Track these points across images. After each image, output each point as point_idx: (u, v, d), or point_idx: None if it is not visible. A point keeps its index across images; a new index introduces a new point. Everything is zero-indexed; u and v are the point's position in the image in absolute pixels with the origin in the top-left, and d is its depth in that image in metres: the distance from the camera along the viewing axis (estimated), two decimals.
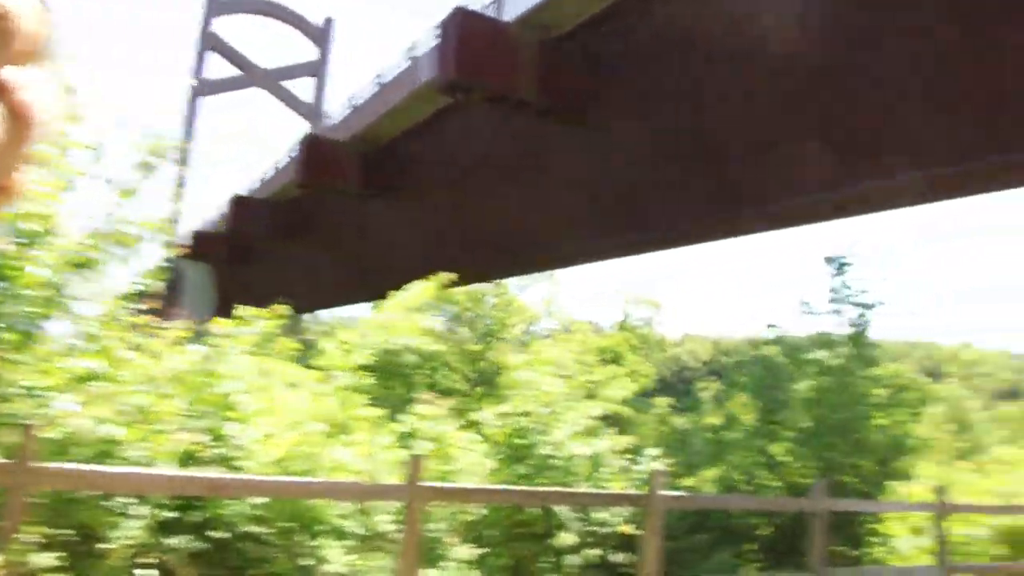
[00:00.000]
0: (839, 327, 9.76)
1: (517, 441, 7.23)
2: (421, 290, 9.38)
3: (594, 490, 7.12)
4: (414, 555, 5.25)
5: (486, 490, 6.74)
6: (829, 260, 9.89)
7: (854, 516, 9.28)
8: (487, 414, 7.69)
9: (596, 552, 6.74)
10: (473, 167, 13.97)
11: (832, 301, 9.76)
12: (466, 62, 10.59)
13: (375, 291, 13.97)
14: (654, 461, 7.67)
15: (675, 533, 7.72)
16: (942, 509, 8.69)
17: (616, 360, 47.12)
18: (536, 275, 49.40)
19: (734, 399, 10.11)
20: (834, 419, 9.12)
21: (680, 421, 15.53)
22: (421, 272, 11.94)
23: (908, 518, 11.52)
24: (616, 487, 7.19)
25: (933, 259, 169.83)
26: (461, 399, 10.88)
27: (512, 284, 48.41)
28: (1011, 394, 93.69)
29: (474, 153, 14.02)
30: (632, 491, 7.04)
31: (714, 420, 10.52)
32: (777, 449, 9.06)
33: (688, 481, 9.17)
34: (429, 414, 7.11)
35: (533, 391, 7.57)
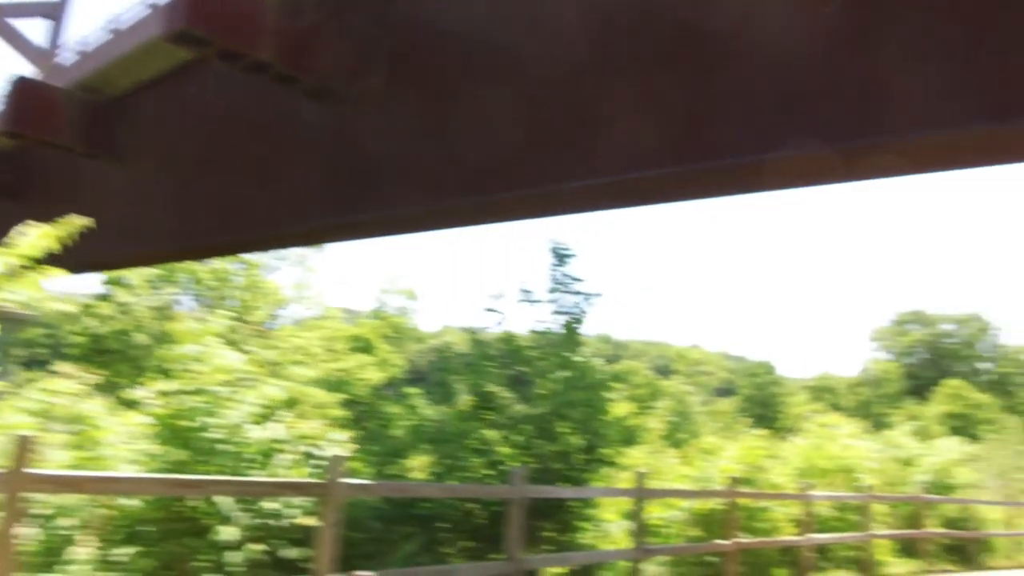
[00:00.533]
0: (556, 317, 10.04)
1: (180, 423, 6.52)
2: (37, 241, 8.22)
3: (263, 478, 6.52)
4: (10, 557, 4.49)
5: (116, 479, 5.83)
6: (551, 250, 10.14)
7: (564, 502, 9.70)
8: (146, 391, 6.81)
9: (263, 547, 6.23)
10: (211, 133, 12.93)
11: (552, 291, 10.01)
12: (200, 12, 9.72)
13: (90, 262, 12.51)
14: (339, 447, 7.37)
15: (369, 525, 7.57)
16: (640, 494, 9.33)
17: (367, 349, 46.62)
18: (287, 256, 47.42)
19: (451, 387, 10.11)
20: (545, 407, 9.43)
21: (429, 412, 15.38)
22: (143, 243, 10.82)
23: (619, 503, 12.32)
24: (299, 476, 6.81)
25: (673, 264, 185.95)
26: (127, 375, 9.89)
27: (263, 265, 46.12)
28: (727, 391, 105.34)
29: (213, 118, 12.98)
30: (310, 479, 6.64)
31: (437, 409, 10.53)
32: (491, 436, 9.22)
33: (393, 469, 9.08)
34: (65, 389, 6.19)
35: (204, 367, 6.86)
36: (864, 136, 4.74)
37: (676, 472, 12.83)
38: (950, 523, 17.19)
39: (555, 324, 9.89)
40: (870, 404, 78.47)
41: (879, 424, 40.48)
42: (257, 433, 6.92)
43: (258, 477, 6.73)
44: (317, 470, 6.93)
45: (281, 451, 7.10)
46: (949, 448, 20.27)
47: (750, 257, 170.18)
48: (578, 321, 9.81)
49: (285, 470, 6.80)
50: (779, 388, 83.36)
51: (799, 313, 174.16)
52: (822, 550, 13.46)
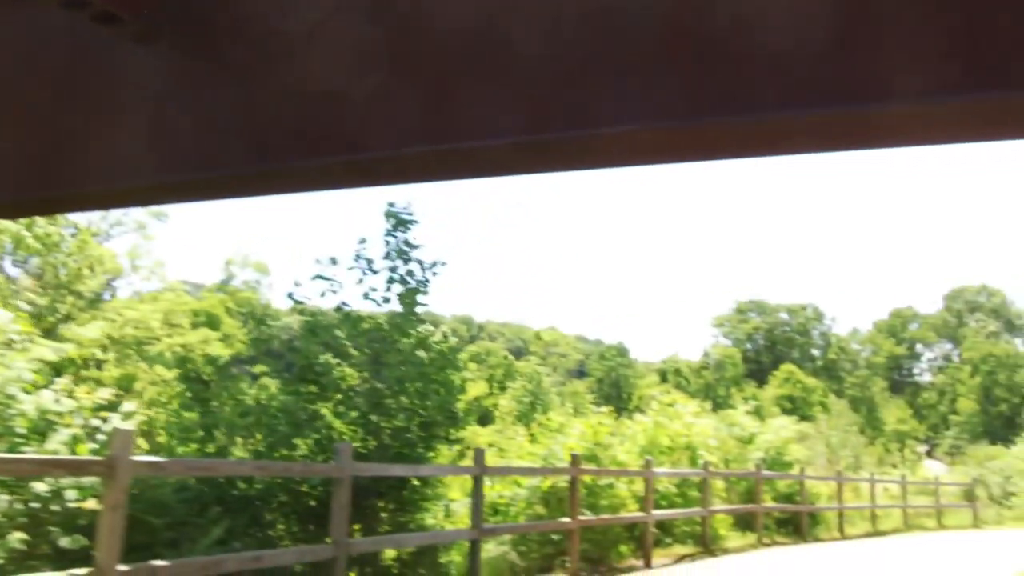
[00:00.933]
0: (394, 287, 9.29)
1: None
2: None
3: (28, 455, 5.52)
4: None
5: None
6: (388, 214, 9.36)
7: (406, 482, 9.11)
8: None
9: (30, 536, 5.27)
10: (22, 77, 11.40)
11: (389, 258, 9.26)
12: None
13: None
14: (129, 419, 6.45)
15: (175, 509, 6.67)
16: (480, 472, 8.87)
17: (212, 324, 44.11)
18: (124, 223, 43.99)
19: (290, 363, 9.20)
20: (381, 383, 8.77)
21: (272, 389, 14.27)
22: None
23: (467, 483, 11.86)
24: (83, 452, 5.88)
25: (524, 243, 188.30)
26: None
27: (99, 232, 42.61)
28: (581, 373, 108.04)
29: (24, 60, 11.46)
30: (89, 457, 5.72)
31: (277, 386, 9.65)
32: (325, 413, 8.46)
33: (211, 447, 8.18)
34: None
35: None
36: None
37: (523, 450, 12.49)
38: (784, 498, 17.87)
39: (393, 294, 9.12)
40: (713, 387, 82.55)
41: (721, 405, 42.31)
42: (33, 403, 5.88)
43: (29, 454, 5.71)
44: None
45: (64, 424, 6.08)
46: (782, 427, 21.15)
47: (604, 239, 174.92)
48: (417, 291, 9.10)
49: (64, 446, 5.81)
50: (630, 370, 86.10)
51: (650, 298, 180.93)
52: (664, 526, 13.54)
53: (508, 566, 10.92)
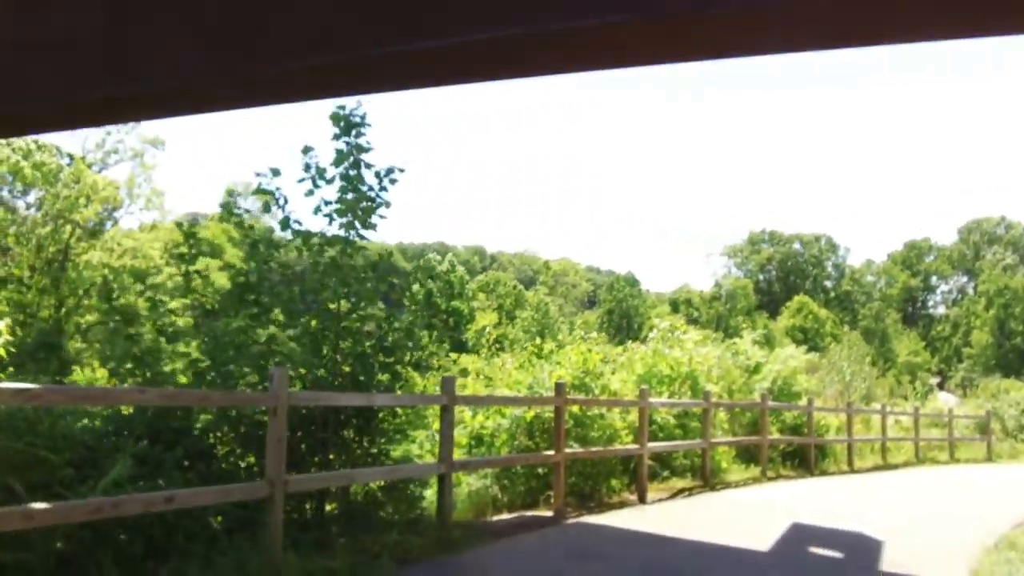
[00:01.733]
0: (348, 198, 8.11)
1: None
2: None
3: None
4: None
5: None
6: (336, 118, 8.06)
7: (375, 413, 8.27)
8: None
9: None
10: None
11: (339, 164, 8.05)
12: None
13: None
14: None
15: (80, 443, 5.81)
16: (449, 401, 7.98)
17: (215, 254, 43.30)
18: (120, 152, 42.75)
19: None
20: (333, 305, 7.79)
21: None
22: None
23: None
24: None
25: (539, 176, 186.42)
26: None
27: (95, 161, 41.54)
28: (591, 303, 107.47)
29: None
30: None
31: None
32: (260, 337, 7.52)
33: (141, 375, 7.22)
34: None
35: None
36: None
37: (510, 378, 11.61)
38: (791, 430, 17.05)
39: (346, 206, 7.97)
40: (725, 318, 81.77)
41: (732, 337, 41.44)
42: None
43: None
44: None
45: None
46: (791, 356, 20.21)
47: (619, 169, 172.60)
48: (370, 199, 7.97)
49: None
50: (640, 301, 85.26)
51: (664, 228, 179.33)
52: (662, 459, 12.74)
53: (491, 500, 10.15)
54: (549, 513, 9.56)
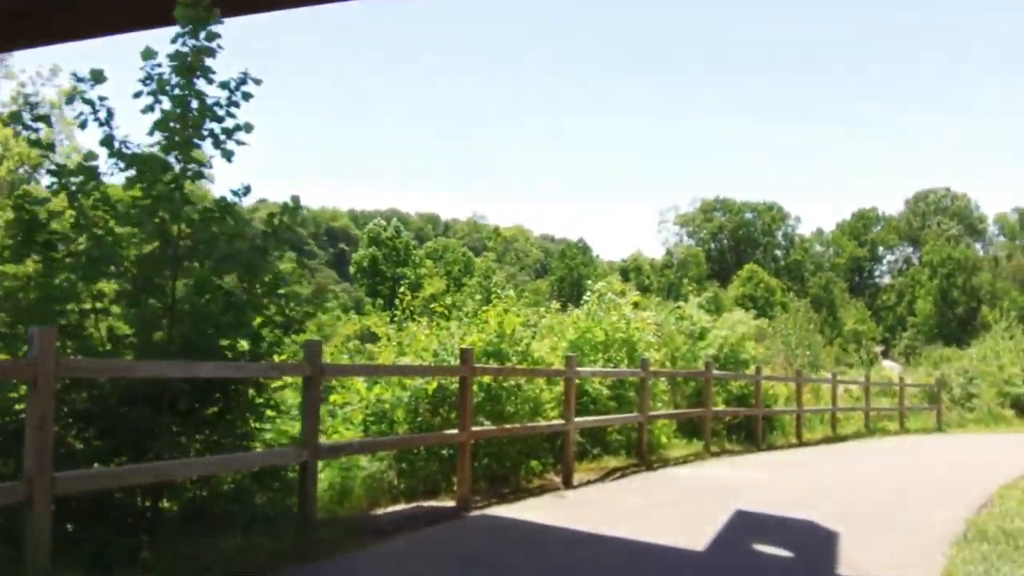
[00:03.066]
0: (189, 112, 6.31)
1: None
2: None
3: None
4: None
5: None
6: (182, 16, 6.18)
7: (230, 389, 6.70)
8: None
9: None
10: None
11: (177, 72, 6.22)
12: None
13: None
14: None
15: None
16: (312, 372, 6.40)
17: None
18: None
19: None
20: (149, 247, 6.09)
21: None
22: None
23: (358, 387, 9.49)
24: None
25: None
26: None
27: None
28: (544, 270, 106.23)
29: None
30: None
31: None
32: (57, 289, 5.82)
33: None
34: None
35: None
36: None
37: (418, 344, 10.04)
38: (737, 401, 15.85)
39: (183, 124, 6.17)
40: (676, 286, 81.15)
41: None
42: None
43: None
44: None
45: None
46: (739, 321, 18.97)
47: (573, 133, 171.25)
48: (218, 120, 6.19)
49: None
50: (591, 269, 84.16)
51: (616, 195, 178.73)
52: (595, 435, 11.37)
53: (386, 487, 8.66)
54: (452, 503, 8.10)
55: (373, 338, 11.79)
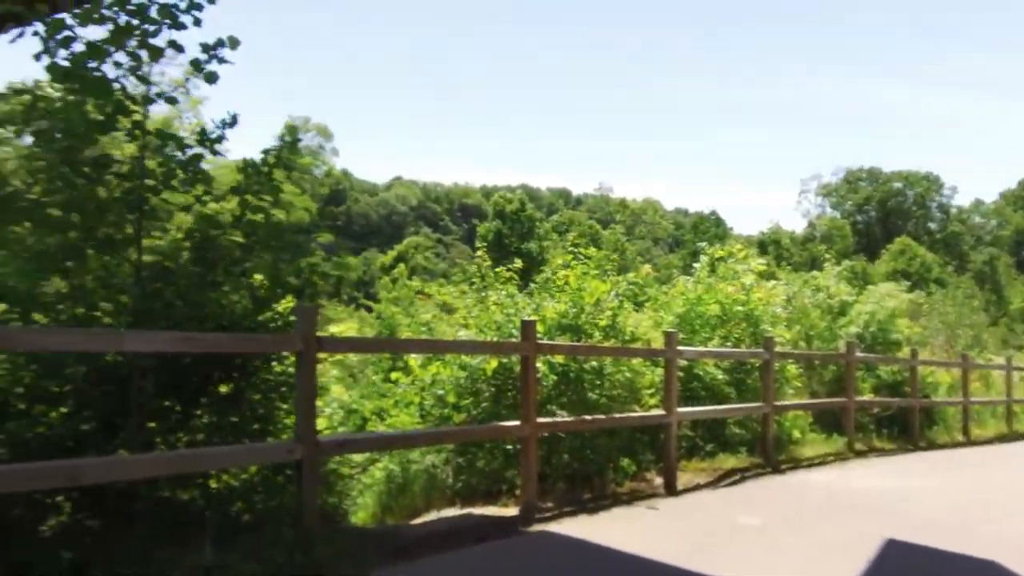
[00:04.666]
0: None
1: None
2: None
3: None
4: None
5: None
6: None
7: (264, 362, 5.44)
8: None
9: None
10: None
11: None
12: None
13: None
14: None
15: None
16: (306, 345, 4.87)
17: (274, 191, 41.81)
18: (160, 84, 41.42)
19: None
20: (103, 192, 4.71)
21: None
22: None
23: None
24: None
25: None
26: None
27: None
28: (678, 244, 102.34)
29: None
30: None
31: None
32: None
33: None
34: None
35: None
36: None
37: (485, 317, 8.43)
38: (888, 389, 13.39)
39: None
40: (819, 261, 76.01)
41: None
42: None
43: None
44: None
45: None
46: (888, 294, 16.19)
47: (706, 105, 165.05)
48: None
49: None
50: (724, 243, 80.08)
51: (755, 167, 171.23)
52: (710, 428, 9.49)
53: (435, 487, 7.16)
54: (514, 511, 6.49)
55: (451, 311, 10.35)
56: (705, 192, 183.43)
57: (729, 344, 10.32)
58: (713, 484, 8.31)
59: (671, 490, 7.77)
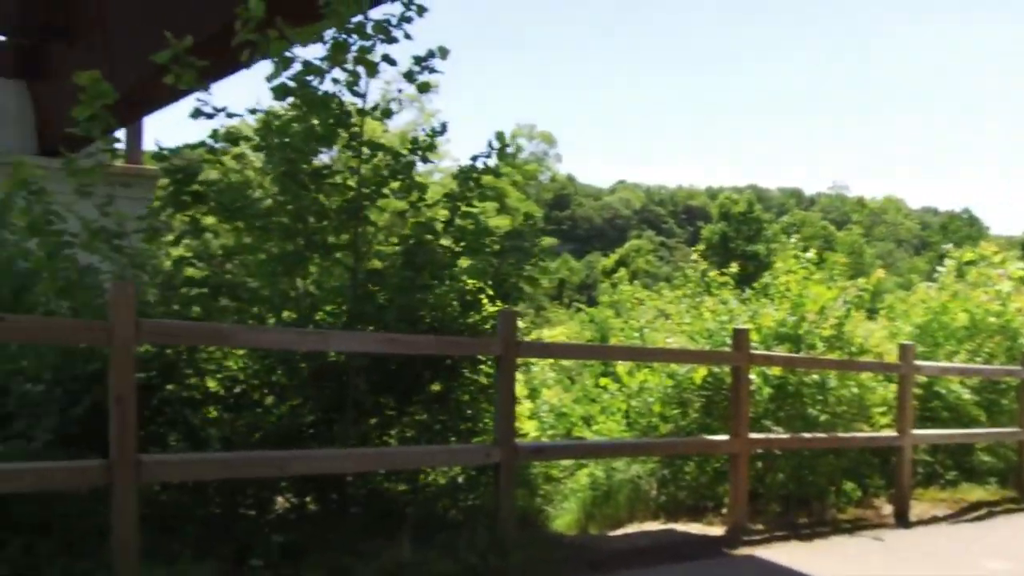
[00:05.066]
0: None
1: None
2: None
3: None
4: None
5: None
6: None
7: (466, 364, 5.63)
8: None
9: None
10: None
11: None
12: None
13: None
14: None
15: None
16: (506, 349, 4.84)
17: (499, 197, 43.39)
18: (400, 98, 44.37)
19: None
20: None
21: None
22: None
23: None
24: None
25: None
26: None
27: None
28: (924, 246, 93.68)
29: None
30: None
31: None
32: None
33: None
34: None
35: None
36: None
37: (685, 326, 8.11)
38: None
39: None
40: None
41: None
42: None
43: None
44: None
45: None
46: None
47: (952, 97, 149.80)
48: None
49: None
50: (979, 244, 72.04)
51: (1009, 160, 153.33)
52: (952, 454, 8.53)
53: (639, 499, 6.98)
54: (720, 530, 6.19)
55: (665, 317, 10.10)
56: (957, 188, 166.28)
57: (979, 360, 9.18)
58: (953, 518, 7.43)
59: (902, 521, 7.05)
